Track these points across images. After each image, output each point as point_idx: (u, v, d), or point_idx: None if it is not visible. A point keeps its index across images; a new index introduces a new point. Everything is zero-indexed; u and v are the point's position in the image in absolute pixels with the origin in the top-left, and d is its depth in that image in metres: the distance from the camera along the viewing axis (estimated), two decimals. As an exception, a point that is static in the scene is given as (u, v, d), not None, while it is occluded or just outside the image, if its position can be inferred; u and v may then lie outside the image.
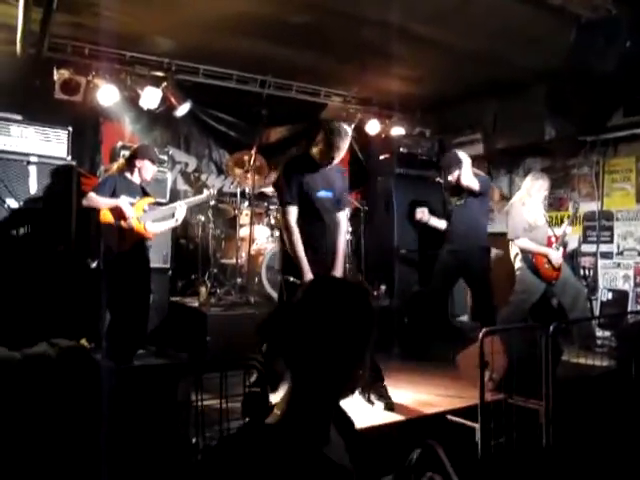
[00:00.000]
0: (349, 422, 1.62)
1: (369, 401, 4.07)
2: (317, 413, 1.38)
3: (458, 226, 5.57)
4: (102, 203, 4.87)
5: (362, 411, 3.89)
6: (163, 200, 6.01)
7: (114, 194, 4.93)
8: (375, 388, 4.11)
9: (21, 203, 5.22)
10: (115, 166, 5.23)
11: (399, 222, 7.00)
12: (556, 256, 5.67)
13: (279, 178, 4.25)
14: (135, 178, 5.12)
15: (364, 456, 1.53)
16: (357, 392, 4.14)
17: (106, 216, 4.89)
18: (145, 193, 5.24)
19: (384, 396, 4.08)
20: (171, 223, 5.34)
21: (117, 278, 4.87)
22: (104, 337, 4.84)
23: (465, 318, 8.10)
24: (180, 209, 5.30)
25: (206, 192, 5.86)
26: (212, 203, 6.28)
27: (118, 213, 4.90)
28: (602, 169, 6.87)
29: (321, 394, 1.38)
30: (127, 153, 5.43)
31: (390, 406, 4.01)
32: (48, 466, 2.37)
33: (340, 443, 1.49)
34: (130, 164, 5.11)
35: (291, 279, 3.99)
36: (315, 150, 4.21)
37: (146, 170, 5.10)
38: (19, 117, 5.43)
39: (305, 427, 1.34)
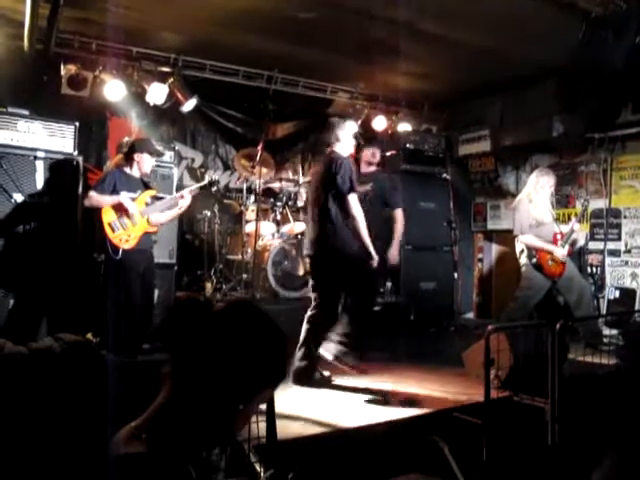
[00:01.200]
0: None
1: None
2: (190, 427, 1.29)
3: None
4: (103, 201, 4.88)
5: (367, 407, 3.89)
6: (169, 196, 6.01)
7: (114, 190, 4.93)
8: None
9: (28, 198, 5.22)
10: (113, 162, 5.24)
11: (405, 218, 6.97)
12: (561, 253, 5.64)
13: (346, 166, 4.46)
14: (135, 172, 5.12)
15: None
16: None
17: (107, 214, 4.88)
18: (146, 186, 5.24)
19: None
20: (175, 212, 5.32)
21: (122, 274, 4.87)
22: (109, 332, 4.84)
23: (471, 315, 8.09)
24: (184, 199, 5.29)
25: (207, 177, 5.84)
26: (214, 190, 6.23)
27: (120, 209, 4.91)
28: (610, 166, 6.82)
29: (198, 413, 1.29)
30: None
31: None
32: (53, 461, 2.37)
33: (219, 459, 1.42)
34: (128, 158, 5.13)
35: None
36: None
37: (145, 163, 5.11)
38: (26, 112, 5.43)
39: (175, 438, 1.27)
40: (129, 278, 4.88)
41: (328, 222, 4.44)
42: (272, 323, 1.39)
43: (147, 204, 5.11)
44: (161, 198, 5.36)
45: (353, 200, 4.40)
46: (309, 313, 4.51)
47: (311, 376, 4.39)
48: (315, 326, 4.46)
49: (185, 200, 5.26)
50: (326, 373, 4.50)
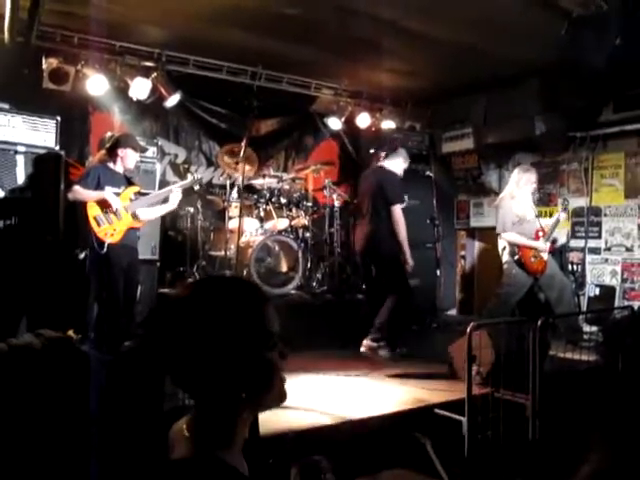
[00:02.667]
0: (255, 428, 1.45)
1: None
2: (232, 431, 1.24)
3: None
4: (88, 196, 4.84)
5: (351, 405, 3.90)
6: (152, 191, 5.97)
7: (98, 185, 4.90)
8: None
9: (8, 193, 5.17)
10: (97, 157, 5.20)
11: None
12: (543, 248, 5.71)
13: (396, 178, 5.45)
14: (118, 167, 5.09)
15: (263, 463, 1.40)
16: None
17: (92, 208, 4.85)
18: (130, 182, 5.20)
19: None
20: (167, 207, 5.29)
21: (106, 269, 4.84)
22: (91, 328, 4.81)
23: (453, 312, 8.15)
24: (175, 193, 5.26)
25: (190, 177, 5.80)
26: (196, 188, 6.22)
27: (104, 205, 4.87)
28: (591, 165, 6.90)
29: (223, 408, 1.23)
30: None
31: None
32: (35, 457, 2.35)
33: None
34: (112, 154, 5.09)
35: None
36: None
37: (128, 159, 5.08)
38: (7, 106, 5.37)
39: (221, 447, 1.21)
40: (113, 273, 4.86)
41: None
42: (227, 281, 1.35)
43: (131, 200, 5.08)
44: (145, 194, 5.32)
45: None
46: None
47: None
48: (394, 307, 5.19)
49: (176, 195, 5.24)
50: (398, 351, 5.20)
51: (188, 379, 1.22)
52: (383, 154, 5.62)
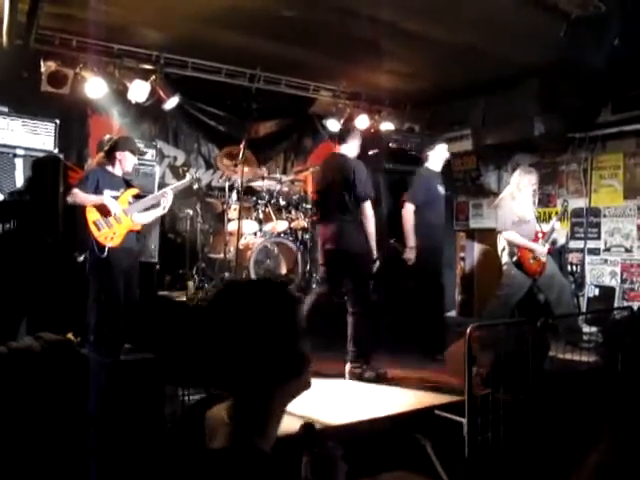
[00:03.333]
0: None
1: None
2: (259, 418, 1.35)
3: None
4: (87, 200, 4.82)
5: (351, 406, 3.90)
6: (148, 195, 5.96)
7: (97, 188, 4.88)
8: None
9: (7, 196, 5.16)
10: (95, 160, 5.19)
11: (387, 217, 6.99)
12: (541, 251, 5.70)
13: (364, 171, 4.96)
14: (117, 170, 5.06)
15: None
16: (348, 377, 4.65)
17: (92, 213, 4.83)
18: (128, 185, 5.18)
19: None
20: (159, 212, 5.29)
21: (106, 272, 4.83)
22: (91, 331, 4.80)
23: (453, 313, 8.14)
24: (167, 197, 5.24)
25: (188, 176, 5.80)
26: (195, 187, 6.21)
27: (103, 209, 4.85)
28: (590, 166, 6.90)
29: (260, 397, 1.34)
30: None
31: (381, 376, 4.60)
32: (35, 459, 2.35)
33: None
34: (110, 157, 5.06)
35: None
36: None
37: (127, 162, 5.06)
38: (5, 109, 5.37)
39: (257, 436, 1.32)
40: (112, 276, 4.85)
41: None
42: (252, 282, 1.50)
43: (130, 203, 5.07)
44: (143, 197, 5.32)
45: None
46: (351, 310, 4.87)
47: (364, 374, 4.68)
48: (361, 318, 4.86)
49: (167, 199, 5.23)
50: (381, 370, 4.72)
51: (229, 372, 1.32)
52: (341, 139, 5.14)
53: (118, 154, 5.02)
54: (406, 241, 5.54)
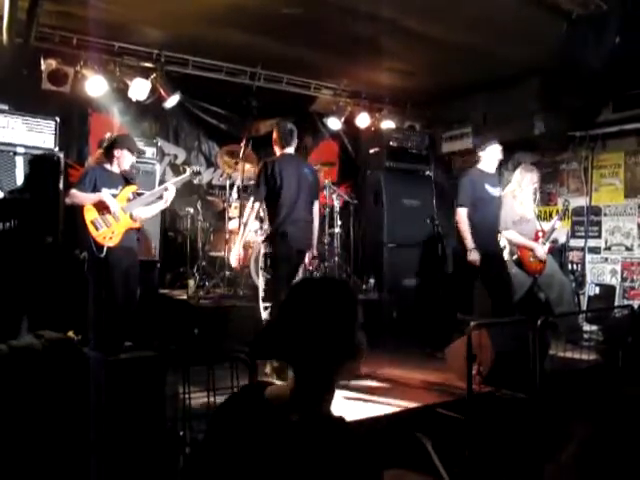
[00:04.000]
0: None
1: None
2: (322, 393, 1.57)
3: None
4: (85, 199, 4.80)
5: (351, 405, 3.90)
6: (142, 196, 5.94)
7: (95, 187, 4.85)
8: None
9: (8, 194, 5.16)
10: (94, 157, 5.17)
11: (389, 216, 7.00)
12: (541, 251, 5.70)
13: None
14: (115, 168, 5.04)
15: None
16: None
17: (89, 212, 4.80)
18: (127, 182, 5.15)
19: None
20: (161, 205, 5.27)
21: (105, 271, 4.83)
22: (91, 329, 4.80)
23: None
24: (169, 191, 5.22)
25: (188, 170, 5.74)
26: (195, 181, 6.18)
27: (102, 207, 4.83)
28: (591, 164, 6.90)
29: (323, 375, 1.56)
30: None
31: None
32: (36, 458, 2.35)
33: None
34: (108, 154, 5.04)
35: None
36: None
37: (125, 160, 5.04)
38: (6, 107, 5.37)
39: (311, 405, 1.53)
40: (112, 275, 4.84)
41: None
42: (324, 279, 1.71)
43: (129, 200, 5.05)
44: (142, 194, 5.31)
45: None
46: None
47: None
48: None
49: (170, 192, 5.21)
50: None
51: (303, 351, 1.53)
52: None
53: (116, 152, 5.00)
54: (465, 244, 5.39)
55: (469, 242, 5.37)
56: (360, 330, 1.60)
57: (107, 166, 5.04)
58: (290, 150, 4.89)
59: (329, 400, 1.59)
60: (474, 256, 5.34)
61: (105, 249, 4.79)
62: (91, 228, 4.79)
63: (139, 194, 5.23)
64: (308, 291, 1.63)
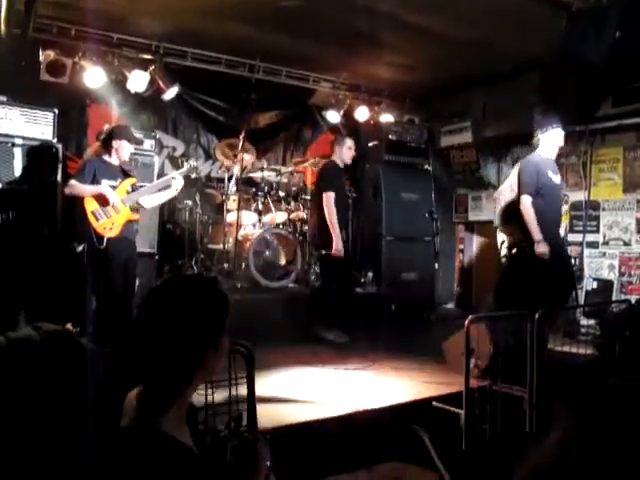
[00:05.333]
0: (194, 411, 1.69)
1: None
2: (171, 402, 1.45)
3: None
4: (85, 190, 4.81)
5: (349, 397, 3.91)
6: (156, 180, 5.91)
7: (94, 179, 4.86)
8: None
9: (5, 185, 5.15)
10: (92, 149, 5.17)
11: (387, 209, 7.00)
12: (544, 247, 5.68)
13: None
14: (114, 160, 5.05)
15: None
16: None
17: (90, 203, 4.82)
18: (126, 174, 5.15)
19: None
20: (170, 193, 5.29)
21: (104, 263, 4.83)
22: (90, 321, 4.80)
23: (451, 305, 8.15)
24: (177, 180, 5.26)
25: (186, 165, 5.72)
26: (193, 176, 6.18)
27: (101, 199, 4.83)
28: (590, 159, 6.89)
29: (173, 383, 1.46)
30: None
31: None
32: (33, 451, 2.34)
33: (187, 429, 1.56)
34: (107, 146, 5.05)
35: None
36: None
37: (123, 150, 5.05)
38: (4, 98, 5.35)
39: (160, 415, 1.42)
40: (111, 267, 4.85)
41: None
42: (188, 277, 1.69)
43: (128, 192, 5.05)
44: (142, 187, 5.31)
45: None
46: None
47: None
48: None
49: (178, 181, 5.23)
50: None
51: (149, 354, 1.46)
52: None
53: (114, 143, 5.00)
54: (532, 236, 4.89)
55: (536, 233, 4.90)
56: (224, 333, 1.54)
57: (106, 158, 5.04)
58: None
59: (171, 407, 1.45)
60: (543, 248, 4.86)
61: (105, 240, 4.80)
62: (92, 218, 4.80)
63: (140, 186, 5.23)
64: (161, 289, 1.55)
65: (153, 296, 1.53)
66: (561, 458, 0.76)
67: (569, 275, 5.34)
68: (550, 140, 5.17)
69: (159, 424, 1.40)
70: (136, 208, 5.13)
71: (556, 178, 5.20)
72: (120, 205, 4.92)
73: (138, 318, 1.52)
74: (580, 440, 0.76)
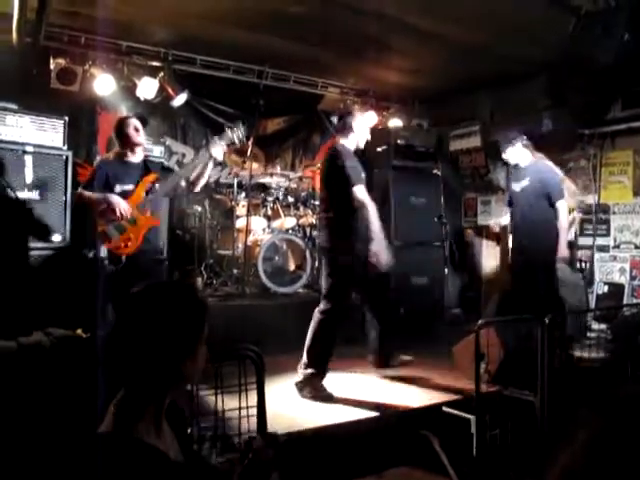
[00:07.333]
0: (182, 417, 1.69)
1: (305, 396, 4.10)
2: (146, 408, 1.45)
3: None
4: (91, 200, 4.33)
5: (358, 403, 3.90)
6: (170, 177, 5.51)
7: (107, 184, 4.35)
8: (312, 383, 4.12)
9: (17, 193, 5.18)
10: (111, 153, 4.86)
11: (396, 214, 6.98)
12: None
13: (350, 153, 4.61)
14: (135, 157, 4.48)
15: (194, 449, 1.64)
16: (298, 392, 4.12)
17: (100, 221, 4.31)
18: (147, 170, 4.53)
19: (318, 389, 4.08)
20: (210, 166, 4.85)
21: (123, 281, 4.12)
22: (101, 327, 4.79)
23: (458, 311, 8.11)
24: (218, 147, 4.83)
25: (228, 131, 5.05)
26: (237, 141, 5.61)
27: (111, 211, 4.26)
28: (599, 162, 6.86)
29: (150, 390, 1.46)
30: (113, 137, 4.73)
31: (328, 398, 4.03)
32: (44, 455, 2.36)
33: (172, 435, 1.55)
34: (122, 137, 4.47)
35: None
36: None
37: (136, 132, 4.46)
38: (15, 106, 5.39)
39: (136, 422, 1.41)
40: (130, 283, 4.58)
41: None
42: (165, 285, 1.67)
43: (147, 192, 4.44)
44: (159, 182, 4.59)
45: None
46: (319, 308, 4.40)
47: (317, 388, 4.11)
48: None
49: (217, 149, 4.85)
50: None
51: (130, 363, 1.46)
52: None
53: (126, 128, 4.44)
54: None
55: (567, 237, 5.31)
56: (202, 342, 1.52)
57: (128, 156, 4.50)
58: None
59: (148, 414, 1.46)
60: (567, 252, 5.29)
61: (124, 259, 4.29)
62: (104, 239, 4.32)
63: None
64: (137, 297, 1.54)
65: (129, 303, 1.52)
66: (592, 459, 0.76)
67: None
68: (514, 155, 5.59)
69: (134, 430, 1.39)
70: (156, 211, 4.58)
71: (517, 185, 5.53)
72: (135, 213, 4.34)
73: (115, 326, 1.52)
74: (608, 444, 0.76)
